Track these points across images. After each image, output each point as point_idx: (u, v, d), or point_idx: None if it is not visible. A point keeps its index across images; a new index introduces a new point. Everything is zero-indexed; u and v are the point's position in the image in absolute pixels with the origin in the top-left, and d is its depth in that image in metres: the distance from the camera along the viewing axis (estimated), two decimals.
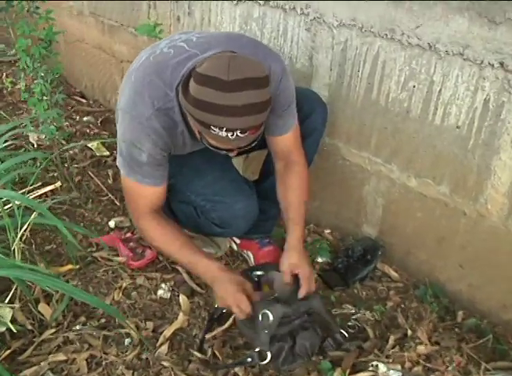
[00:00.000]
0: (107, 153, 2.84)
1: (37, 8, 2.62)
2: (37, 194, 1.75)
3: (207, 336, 1.80)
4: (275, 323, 1.65)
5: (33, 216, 1.68)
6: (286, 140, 1.88)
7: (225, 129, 1.44)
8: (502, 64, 1.62)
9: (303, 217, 1.92)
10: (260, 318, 1.66)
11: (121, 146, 1.73)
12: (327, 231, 2.35)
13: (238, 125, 1.44)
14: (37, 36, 2.55)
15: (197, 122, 1.49)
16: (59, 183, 1.78)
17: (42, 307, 1.83)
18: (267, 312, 1.65)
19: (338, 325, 1.77)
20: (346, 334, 1.73)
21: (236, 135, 1.46)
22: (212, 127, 1.45)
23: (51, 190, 2.09)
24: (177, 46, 1.71)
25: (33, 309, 1.80)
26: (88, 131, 3.18)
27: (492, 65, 1.64)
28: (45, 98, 2.59)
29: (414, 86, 1.86)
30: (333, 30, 2.02)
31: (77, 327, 1.79)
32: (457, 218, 1.90)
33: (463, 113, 1.76)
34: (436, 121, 1.84)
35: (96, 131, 3.20)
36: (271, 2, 2.20)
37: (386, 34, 1.87)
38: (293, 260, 1.82)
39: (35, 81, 2.57)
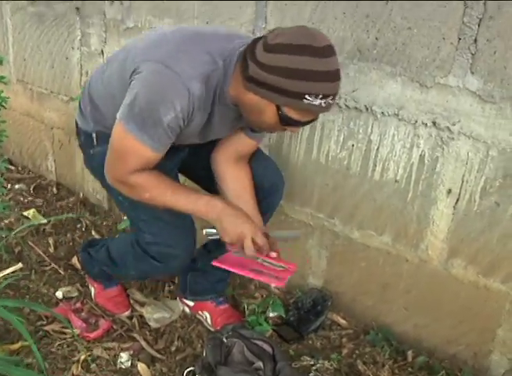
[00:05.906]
0: (44, 220, 2.76)
1: None
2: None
3: None
4: None
5: None
6: (253, 146, 1.86)
7: (320, 96, 1.39)
8: (434, 123, 1.80)
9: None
10: None
11: (141, 99, 1.51)
12: (273, 285, 2.39)
13: (332, 91, 1.42)
14: None
15: (286, 95, 1.40)
16: (19, 265, 1.71)
17: None
18: None
19: None
20: None
21: (328, 102, 1.42)
22: (307, 95, 1.39)
23: None
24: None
25: None
26: (21, 199, 3.09)
27: (426, 124, 1.82)
28: None
29: (353, 145, 2.00)
30: None
31: None
32: (400, 265, 2.04)
33: (401, 168, 1.92)
34: (375, 177, 1.99)
35: (30, 198, 3.11)
36: None
37: None
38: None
39: None
